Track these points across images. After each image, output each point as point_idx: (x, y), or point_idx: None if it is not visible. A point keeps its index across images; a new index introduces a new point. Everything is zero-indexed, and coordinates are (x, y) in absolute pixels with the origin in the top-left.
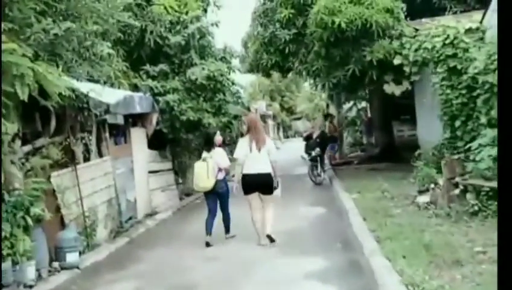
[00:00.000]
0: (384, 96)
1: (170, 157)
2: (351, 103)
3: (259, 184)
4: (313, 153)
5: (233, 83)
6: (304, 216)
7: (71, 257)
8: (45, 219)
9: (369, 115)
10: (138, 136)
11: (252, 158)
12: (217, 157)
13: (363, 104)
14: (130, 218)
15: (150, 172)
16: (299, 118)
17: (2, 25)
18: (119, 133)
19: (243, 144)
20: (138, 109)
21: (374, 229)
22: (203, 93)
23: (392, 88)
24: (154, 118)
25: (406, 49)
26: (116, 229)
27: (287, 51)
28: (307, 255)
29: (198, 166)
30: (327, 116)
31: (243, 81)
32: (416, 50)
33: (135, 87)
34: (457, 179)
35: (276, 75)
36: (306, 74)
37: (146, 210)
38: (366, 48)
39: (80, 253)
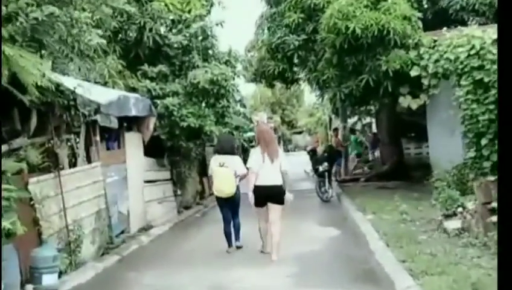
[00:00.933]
0: (393, 112)
1: (168, 167)
2: (356, 117)
3: (270, 195)
4: (321, 168)
5: (237, 90)
6: (316, 238)
7: (48, 279)
8: (18, 234)
9: (373, 130)
10: (133, 142)
11: (265, 169)
12: (236, 164)
13: (367, 119)
14: (123, 232)
15: (146, 182)
16: (299, 132)
17: None
18: (112, 137)
19: (256, 154)
20: (134, 112)
21: (402, 259)
22: (206, 98)
23: (407, 101)
24: (152, 122)
25: (424, 60)
26: (105, 245)
27: (295, 58)
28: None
29: (222, 172)
30: (335, 130)
31: (245, 91)
32: (436, 61)
33: (131, 89)
34: (495, 205)
35: (277, 87)
36: (315, 83)
37: (140, 224)
38: (382, 57)
39: (61, 273)
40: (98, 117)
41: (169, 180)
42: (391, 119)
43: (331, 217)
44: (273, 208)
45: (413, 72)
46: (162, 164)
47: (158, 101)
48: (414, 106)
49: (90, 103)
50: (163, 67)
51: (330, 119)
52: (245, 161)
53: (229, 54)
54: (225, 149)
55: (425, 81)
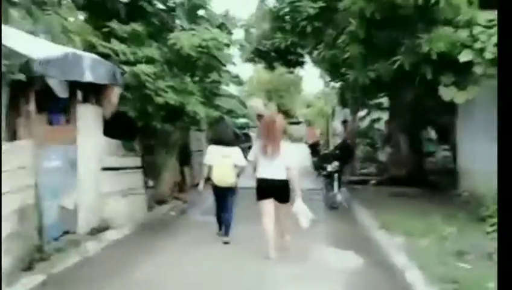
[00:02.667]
0: (414, 106)
1: (140, 152)
2: (364, 111)
3: (274, 190)
4: (329, 168)
5: (233, 63)
6: (333, 270)
7: None
8: None
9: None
10: (89, 117)
11: (267, 163)
12: (237, 155)
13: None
14: (67, 232)
15: (106, 169)
16: (297, 123)
17: None
18: (57, 108)
19: (257, 146)
20: (89, 77)
21: None
22: (191, 69)
23: (451, 93)
24: (115, 93)
25: (478, 42)
26: (32, 255)
27: (308, 30)
28: None
29: (224, 162)
30: (344, 122)
31: (241, 72)
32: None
33: (93, 49)
34: None
35: (275, 73)
36: (330, 64)
37: (93, 222)
38: (423, 35)
39: None
40: (22, 77)
41: (139, 168)
42: (412, 116)
43: (345, 234)
44: (279, 207)
45: (464, 57)
46: (130, 148)
47: (126, 68)
48: (460, 100)
49: (16, 55)
50: (137, 26)
51: (333, 111)
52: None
53: (224, 17)
54: (225, 140)
55: (478, 70)
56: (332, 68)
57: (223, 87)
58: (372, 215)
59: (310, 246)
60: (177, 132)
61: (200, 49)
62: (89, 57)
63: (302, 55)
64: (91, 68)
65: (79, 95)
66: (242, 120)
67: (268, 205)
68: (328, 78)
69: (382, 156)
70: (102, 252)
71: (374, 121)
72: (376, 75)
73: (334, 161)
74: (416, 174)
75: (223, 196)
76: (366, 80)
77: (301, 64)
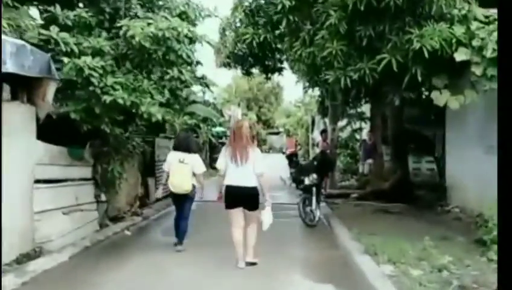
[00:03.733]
0: (399, 115)
1: (90, 161)
2: (345, 121)
3: (242, 198)
4: (307, 181)
5: (198, 62)
6: None
7: None
8: None
9: (363, 137)
10: (16, 118)
11: (235, 170)
12: (195, 162)
13: (358, 124)
14: None
15: (41, 181)
16: (276, 133)
17: None
18: None
19: (225, 153)
20: (10, 67)
21: None
22: (146, 65)
23: (444, 98)
24: (51, 90)
25: (477, 39)
26: None
27: (284, 24)
28: None
29: (180, 167)
30: (323, 132)
31: (217, 78)
32: None
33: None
34: None
35: (254, 82)
36: (307, 65)
37: (22, 247)
38: (413, 30)
39: None
40: None
41: (89, 180)
42: (396, 125)
43: (324, 260)
44: (248, 215)
45: (460, 56)
46: (78, 156)
47: (66, 60)
48: (455, 105)
49: None
50: (84, 13)
51: (313, 121)
52: (212, 158)
53: (187, 5)
54: (183, 146)
55: (477, 70)
56: (310, 70)
57: (199, 94)
58: (354, 236)
59: (280, 279)
60: (137, 138)
61: (156, 39)
62: (12, 42)
63: (280, 61)
64: (15, 56)
65: (4, 90)
66: (219, 129)
67: (237, 215)
68: (306, 84)
69: (364, 168)
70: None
71: (355, 131)
72: (359, 76)
73: (312, 173)
74: (400, 189)
75: (180, 203)
76: (347, 82)
77: (279, 70)
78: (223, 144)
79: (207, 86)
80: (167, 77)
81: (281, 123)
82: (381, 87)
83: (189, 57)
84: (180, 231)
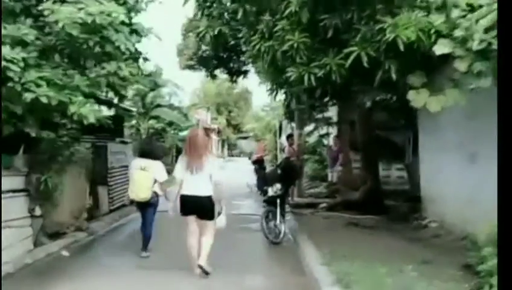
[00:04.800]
0: (369, 120)
1: (24, 170)
2: (312, 126)
3: (196, 207)
4: (271, 192)
5: (143, 56)
6: None
7: None
8: None
9: (329, 143)
10: None
11: (190, 179)
12: (157, 169)
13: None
14: None
15: None
16: (245, 137)
17: None
18: None
19: (182, 162)
20: None
21: None
22: (78, 57)
23: (422, 98)
24: None
25: (461, 28)
26: None
27: (240, 14)
28: None
29: (140, 174)
30: (289, 136)
31: (182, 81)
32: (488, 29)
33: None
34: None
35: (224, 87)
36: (267, 61)
37: None
38: (385, 19)
39: None
40: None
41: (21, 191)
42: (366, 131)
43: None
44: (203, 225)
45: (440, 49)
46: (6, 164)
47: None
48: (435, 107)
49: None
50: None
51: (280, 126)
52: None
53: None
54: (145, 152)
55: (461, 66)
56: (271, 67)
57: (165, 98)
58: (324, 258)
59: None
60: (77, 144)
61: (86, 27)
62: None
63: (245, 63)
64: None
65: None
66: (186, 133)
67: (193, 223)
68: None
69: (332, 175)
70: None
71: (322, 136)
72: (324, 74)
73: (275, 182)
74: (371, 199)
75: (142, 211)
76: (311, 80)
77: (244, 73)
78: None
79: (156, 85)
80: (103, 71)
81: (250, 128)
82: (349, 87)
83: (128, 49)
84: (143, 237)
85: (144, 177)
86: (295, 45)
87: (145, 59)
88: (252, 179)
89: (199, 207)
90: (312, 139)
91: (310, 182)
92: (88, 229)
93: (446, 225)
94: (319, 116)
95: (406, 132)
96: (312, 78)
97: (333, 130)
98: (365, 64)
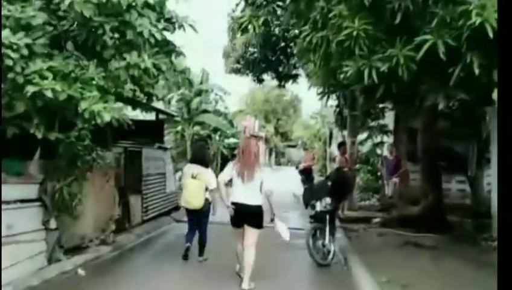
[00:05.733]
0: (429, 129)
1: (39, 177)
2: (365, 134)
3: (247, 215)
4: (319, 207)
5: (178, 52)
6: None
7: None
8: None
9: (384, 152)
10: None
11: (241, 187)
12: (209, 176)
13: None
14: None
15: None
16: (294, 146)
17: None
18: None
19: (230, 168)
20: None
21: None
22: (92, 44)
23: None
24: None
25: None
26: None
27: (288, 3)
28: None
29: (193, 183)
30: (341, 145)
31: (226, 84)
32: None
33: None
34: None
35: (273, 94)
36: (321, 52)
37: None
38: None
39: None
40: None
41: (33, 201)
42: (428, 140)
43: None
44: (249, 231)
45: None
46: (15, 171)
47: None
48: None
49: None
50: None
51: (331, 134)
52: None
53: None
54: (197, 159)
55: None
56: (324, 65)
57: (211, 103)
58: (380, 288)
59: None
60: (99, 148)
61: (103, 9)
62: None
63: (295, 67)
64: None
65: None
66: (232, 140)
67: (240, 234)
68: (320, 89)
69: (387, 188)
70: None
71: (376, 145)
72: (389, 68)
73: (324, 196)
74: (432, 215)
75: (193, 219)
76: (373, 76)
77: (294, 77)
78: (235, 156)
79: (190, 82)
80: (122, 63)
81: (299, 136)
82: (417, 86)
83: (153, 36)
84: (199, 244)
85: (196, 185)
86: (354, 33)
87: (179, 53)
88: (299, 189)
89: (249, 215)
90: (365, 149)
91: (362, 193)
92: (114, 243)
93: None
94: (373, 123)
95: (469, 142)
96: (374, 73)
97: (388, 139)
98: (442, 56)
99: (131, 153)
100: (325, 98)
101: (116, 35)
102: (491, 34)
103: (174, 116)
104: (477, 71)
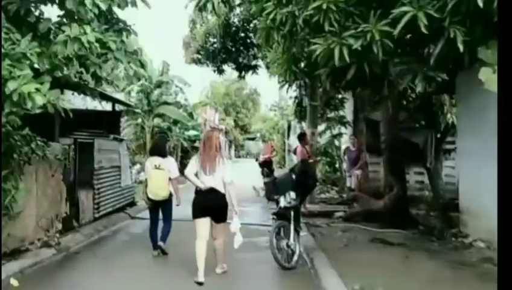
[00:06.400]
0: (393, 120)
1: None
2: (324, 125)
3: (210, 206)
4: (283, 202)
5: (123, 23)
6: None
7: None
8: None
9: (343, 144)
10: None
11: (204, 179)
12: (171, 166)
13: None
14: None
15: None
16: (253, 138)
17: None
18: None
19: (195, 162)
20: None
21: None
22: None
23: (493, 78)
24: None
25: None
26: None
27: None
28: None
29: (157, 174)
30: (302, 136)
31: (186, 76)
32: None
33: None
34: None
35: (232, 87)
36: (286, 30)
37: None
38: None
39: None
40: None
41: None
42: (392, 130)
43: None
44: (216, 227)
45: None
46: None
47: None
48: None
49: None
50: None
51: (289, 126)
52: (183, 164)
53: None
54: (157, 150)
55: None
56: (288, 45)
57: (171, 95)
58: None
59: None
60: (39, 138)
61: None
62: None
63: (255, 57)
64: None
65: None
66: (192, 132)
67: (204, 226)
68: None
69: (349, 180)
70: None
71: (334, 136)
72: (363, 46)
73: (289, 190)
74: (397, 209)
75: (156, 210)
76: (344, 55)
77: (254, 68)
78: (195, 148)
79: (142, 64)
80: (61, 37)
81: (258, 128)
82: (392, 66)
83: (97, 7)
84: (162, 232)
85: (161, 175)
86: (324, 6)
87: (129, 31)
88: (259, 182)
89: (213, 205)
90: (323, 140)
91: (321, 186)
92: (59, 245)
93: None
94: (332, 114)
95: (426, 132)
96: (345, 52)
97: (347, 131)
98: (423, 30)
99: (82, 145)
100: (284, 89)
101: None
102: (481, 3)
103: (131, 106)
104: (461, 48)
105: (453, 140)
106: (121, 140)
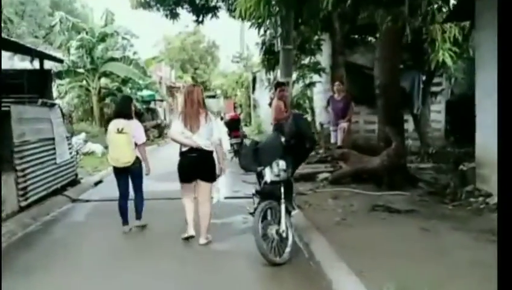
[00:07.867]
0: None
1: None
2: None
3: (197, 165)
4: (269, 175)
5: None
6: None
7: None
8: None
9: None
10: None
11: (189, 136)
12: (136, 128)
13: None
14: None
15: None
16: (213, 96)
17: None
18: None
19: (177, 120)
20: None
21: None
22: None
23: None
24: None
25: None
26: None
27: None
28: None
29: (117, 138)
30: (278, 85)
31: (133, 26)
32: None
33: None
34: None
35: (188, 41)
36: None
37: None
38: None
39: None
40: None
41: None
42: (389, 72)
43: None
44: (202, 186)
45: None
46: None
47: None
48: None
49: None
50: None
51: (254, 78)
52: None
53: None
54: (121, 111)
55: None
56: None
57: (118, 50)
58: None
59: None
60: None
61: None
62: None
63: None
64: None
65: None
66: (145, 92)
67: (190, 189)
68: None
69: (333, 135)
70: None
71: (307, 86)
72: None
73: (276, 157)
74: (395, 166)
75: (123, 179)
76: None
77: (213, 10)
78: (151, 110)
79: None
80: None
81: (219, 84)
82: None
83: None
84: (136, 207)
85: (123, 139)
86: None
87: None
88: (225, 143)
89: (202, 164)
90: (295, 91)
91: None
92: None
93: None
94: (306, 61)
95: (413, 74)
96: None
97: (321, 79)
98: None
99: None
100: (248, 38)
101: None
102: None
103: (62, 61)
104: None
105: (439, 81)
106: (52, 105)
